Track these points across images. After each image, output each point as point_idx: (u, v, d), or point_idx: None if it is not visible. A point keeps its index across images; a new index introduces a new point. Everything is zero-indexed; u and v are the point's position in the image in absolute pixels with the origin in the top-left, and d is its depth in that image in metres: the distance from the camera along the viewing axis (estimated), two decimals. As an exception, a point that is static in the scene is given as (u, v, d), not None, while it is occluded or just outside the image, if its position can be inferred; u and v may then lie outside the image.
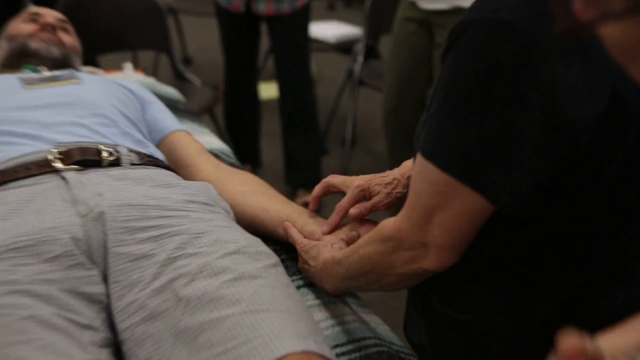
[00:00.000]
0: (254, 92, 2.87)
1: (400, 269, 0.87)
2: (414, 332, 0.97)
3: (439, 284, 0.90)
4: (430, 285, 0.91)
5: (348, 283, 1.00)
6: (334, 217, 1.14)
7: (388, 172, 1.14)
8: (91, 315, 0.89)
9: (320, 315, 1.06)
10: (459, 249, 0.83)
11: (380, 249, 0.88)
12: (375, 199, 1.11)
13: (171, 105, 1.82)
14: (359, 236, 1.11)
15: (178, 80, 2.76)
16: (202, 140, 1.54)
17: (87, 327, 0.87)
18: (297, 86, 2.71)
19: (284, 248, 1.22)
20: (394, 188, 1.10)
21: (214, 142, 1.70)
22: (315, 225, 1.16)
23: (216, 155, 1.57)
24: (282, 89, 2.73)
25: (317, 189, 1.17)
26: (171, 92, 1.96)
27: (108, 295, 0.94)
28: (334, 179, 1.17)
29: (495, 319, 0.86)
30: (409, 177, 1.10)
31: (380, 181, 1.12)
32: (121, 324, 0.91)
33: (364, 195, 1.12)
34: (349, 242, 1.09)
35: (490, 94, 0.73)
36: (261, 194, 1.25)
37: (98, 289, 0.93)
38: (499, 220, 0.81)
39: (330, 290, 1.07)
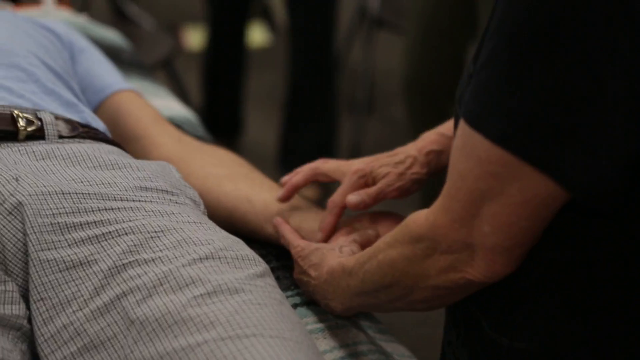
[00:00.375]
0: (240, 35, 2.89)
1: (435, 279, 0.88)
2: (455, 366, 0.99)
3: (489, 301, 0.91)
4: (477, 302, 0.93)
5: (363, 300, 1.02)
6: (327, 218, 1.15)
7: (398, 149, 1.15)
8: (6, 347, 0.90)
9: (325, 344, 1.08)
10: (517, 252, 0.84)
11: (407, 252, 0.89)
12: (382, 182, 1.12)
13: (112, 55, 1.82)
14: (377, 236, 1.12)
15: (120, 19, 2.77)
16: (157, 105, 1.55)
17: None
18: (314, 43, 2.73)
19: (273, 252, 1.23)
20: (408, 168, 1.12)
21: (174, 107, 1.71)
22: (316, 222, 1.18)
23: (177, 125, 1.58)
24: (295, 44, 2.75)
25: (299, 176, 1.19)
26: (111, 37, 1.97)
27: (30, 318, 0.95)
28: (325, 165, 1.19)
29: (566, 351, 0.87)
30: (429, 153, 1.12)
31: (388, 161, 1.13)
32: (50, 357, 0.92)
33: (366, 182, 1.14)
34: (363, 245, 1.10)
35: (563, 35, 0.74)
36: (242, 179, 1.26)
37: (16, 309, 0.94)
38: (572, 214, 0.82)
39: (338, 310, 1.08)
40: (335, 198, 1.15)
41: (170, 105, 1.71)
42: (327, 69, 2.77)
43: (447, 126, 1.14)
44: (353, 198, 1.12)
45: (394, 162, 1.13)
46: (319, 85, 2.78)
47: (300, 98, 2.82)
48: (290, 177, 1.21)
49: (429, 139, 1.13)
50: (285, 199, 1.21)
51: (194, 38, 4.37)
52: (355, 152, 3.10)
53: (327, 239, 1.16)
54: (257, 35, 3.83)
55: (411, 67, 2.33)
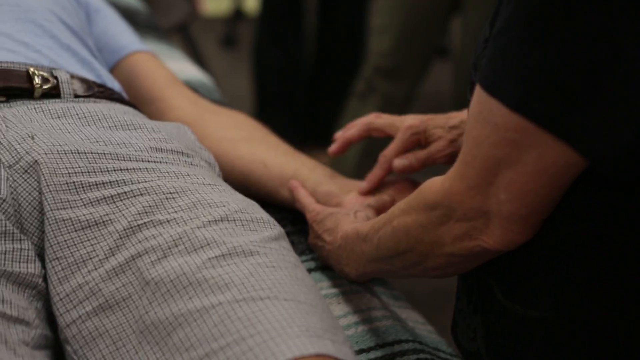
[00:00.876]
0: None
1: (450, 247, 0.88)
2: (466, 334, 0.99)
3: (503, 270, 0.91)
4: (491, 270, 0.92)
5: (377, 266, 1.02)
6: (376, 171, 1.15)
7: (454, 113, 1.14)
8: (21, 304, 0.91)
9: (339, 309, 1.08)
10: (533, 221, 0.83)
11: (422, 219, 0.89)
12: (432, 147, 1.12)
13: (128, 17, 1.82)
14: (393, 202, 1.12)
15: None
16: (173, 68, 1.56)
17: (16, 320, 0.89)
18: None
19: (288, 217, 1.24)
20: (460, 134, 1.11)
21: (190, 70, 1.71)
22: (333, 185, 1.18)
23: (193, 89, 1.58)
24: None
25: (353, 130, 1.18)
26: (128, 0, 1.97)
27: (45, 277, 0.96)
28: (379, 120, 1.18)
29: (580, 318, 0.87)
30: None
31: (443, 123, 1.12)
32: (64, 317, 0.93)
33: (419, 140, 1.13)
34: (378, 210, 1.10)
35: None
36: (258, 142, 1.27)
37: (31, 268, 0.95)
38: (590, 182, 0.81)
39: (352, 276, 1.08)
40: (387, 152, 1.15)
41: (185, 68, 1.71)
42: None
43: None
44: (400, 162, 1.12)
45: (448, 126, 1.12)
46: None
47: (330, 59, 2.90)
48: (344, 131, 1.20)
49: None
50: (337, 152, 1.20)
51: (211, 4, 4.36)
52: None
53: (370, 191, 1.16)
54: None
55: (385, 62, 2.31)
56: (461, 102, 2.25)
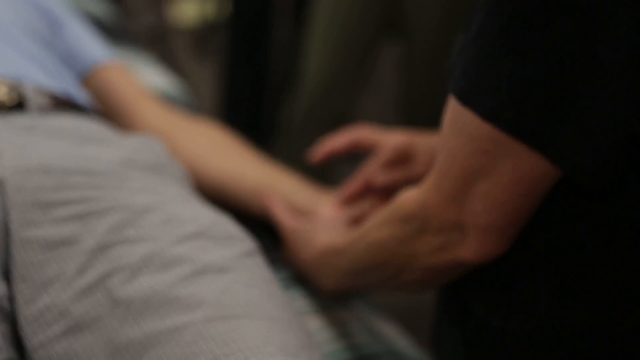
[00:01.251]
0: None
1: (426, 260, 0.87)
2: (446, 347, 0.98)
3: (482, 282, 0.91)
4: (470, 283, 0.92)
5: (353, 280, 1.01)
6: (354, 184, 1.15)
7: None
8: None
9: (315, 323, 1.07)
10: (509, 232, 0.83)
11: (397, 232, 0.89)
12: (413, 169, 1.11)
13: (97, 24, 1.81)
14: (369, 213, 1.12)
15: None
16: (145, 77, 1.54)
17: None
18: None
19: (261, 230, 1.22)
20: None
21: (161, 80, 1.70)
22: (306, 197, 1.17)
23: (164, 98, 1.57)
24: None
25: (341, 140, 1.17)
26: (98, 6, 1.95)
27: (12, 298, 0.94)
28: (367, 134, 1.17)
29: (561, 331, 0.87)
30: None
31: (430, 148, 1.11)
32: (32, 340, 0.91)
33: (402, 160, 1.13)
34: (354, 222, 1.09)
35: (555, 5, 0.72)
36: (231, 154, 1.26)
37: None
38: (566, 192, 0.81)
39: (329, 290, 1.08)
40: (368, 168, 1.14)
41: (157, 77, 1.70)
42: None
43: None
44: (381, 177, 1.12)
45: (435, 152, 1.11)
46: None
47: None
48: (331, 141, 1.19)
49: None
50: (319, 160, 1.19)
51: (185, 11, 4.35)
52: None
53: (345, 201, 1.16)
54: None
55: (316, 90, 2.28)
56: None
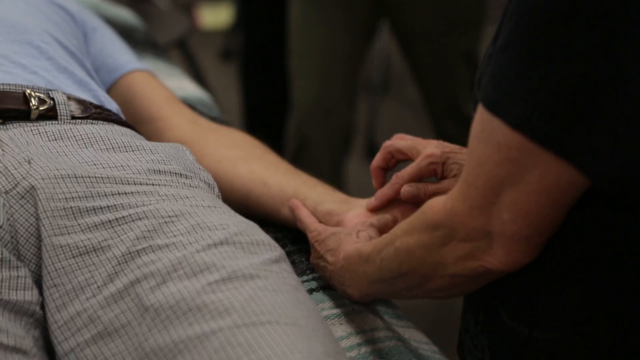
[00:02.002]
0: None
1: (453, 267, 0.87)
2: (474, 354, 0.98)
3: (508, 290, 0.91)
4: (496, 291, 0.92)
5: (380, 287, 1.01)
6: (386, 191, 1.13)
7: None
8: (19, 333, 0.91)
9: (341, 330, 1.07)
10: (536, 240, 0.83)
11: (424, 240, 0.89)
12: (445, 183, 1.09)
13: (125, 34, 1.82)
14: (395, 221, 1.11)
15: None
16: (171, 86, 1.55)
17: (13, 349, 0.89)
18: None
19: (288, 236, 1.23)
20: None
21: (188, 87, 1.71)
22: (333, 204, 1.17)
23: (191, 106, 1.57)
24: None
25: (378, 157, 1.17)
26: (124, 15, 1.97)
27: (43, 304, 0.95)
28: (400, 142, 1.16)
29: (587, 340, 0.86)
30: None
31: (463, 160, 1.09)
32: (63, 345, 0.92)
33: (436, 170, 1.11)
34: (381, 229, 1.09)
35: (583, 17, 0.73)
36: (257, 160, 1.26)
37: (29, 295, 0.94)
38: (594, 201, 0.81)
39: (355, 297, 1.08)
40: (401, 174, 1.13)
41: (184, 85, 1.71)
42: None
43: None
44: (409, 189, 1.10)
45: None
46: None
47: None
48: (374, 162, 1.17)
49: None
50: (377, 184, 1.18)
51: (209, 17, 4.37)
52: (371, 131, 3.11)
53: (378, 207, 1.15)
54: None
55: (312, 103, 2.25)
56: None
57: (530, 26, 0.76)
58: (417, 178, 1.12)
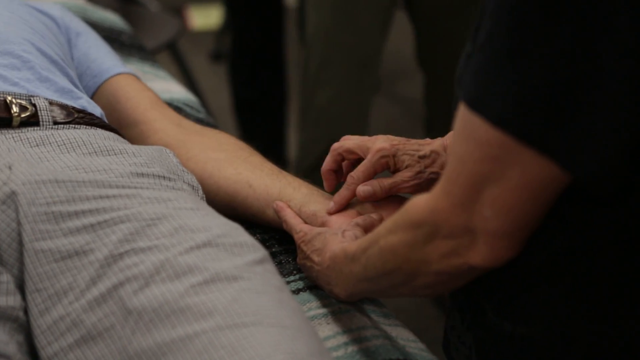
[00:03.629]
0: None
1: (437, 265, 0.87)
2: (459, 351, 0.98)
3: (493, 287, 0.91)
4: (481, 288, 0.92)
5: (365, 286, 1.01)
6: (343, 192, 1.15)
7: (429, 140, 1.14)
8: (2, 339, 0.90)
9: (328, 330, 1.07)
10: (518, 237, 0.83)
11: (408, 238, 0.89)
12: (398, 177, 1.12)
13: (112, 38, 1.81)
14: (381, 220, 1.12)
15: (122, 2, 2.75)
16: (157, 88, 1.54)
17: None
18: None
19: (275, 237, 1.23)
20: (428, 165, 1.11)
21: (174, 89, 1.70)
22: (319, 205, 1.17)
23: (177, 108, 1.57)
24: None
25: (328, 160, 1.18)
26: (110, 18, 1.96)
27: (26, 309, 0.95)
28: (349, 142, 1.17)
29: (573, 335, 0.87)
30: None
31: (414, 151, 1.12)
32: (46, 349, 0.92)
33: (388, 164, 1.13)
34: (367, 229, 1.10)
35: (560, 14, 0.73)
36: (242, 162, 1.26)
37: (11, 300, 0.94)
38: (577, 196, 0.81)
39: (341, 296, 1.08)
40: (355, 174, 1.14)
41: (170, 87, 1.70)
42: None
43: None
44: (364, 189, 1.12)
45: (418, 156, 1.12)
46: None
47: None
48: (324, 167, 1.19)
49: None
50: (329, 187, 1.19)
51: (199, 19, 4.36)
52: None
53: (337, 211, 1.16)
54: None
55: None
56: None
57: (509, 24, 0.76)
58: (372, 174, 1.14)
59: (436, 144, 1.12)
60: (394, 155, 1.11)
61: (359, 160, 1.16)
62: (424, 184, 1.11)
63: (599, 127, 0.75)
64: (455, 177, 0.83)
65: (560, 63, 0.74)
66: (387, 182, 1.12)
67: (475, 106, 0.79)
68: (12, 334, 0.92)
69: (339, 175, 1.19)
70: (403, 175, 1.11)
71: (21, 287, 0.96)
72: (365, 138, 1.16)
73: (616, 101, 0.74)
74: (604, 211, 0.81)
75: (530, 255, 0.85)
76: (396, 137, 1.14)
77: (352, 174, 1.14)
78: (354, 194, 1.14)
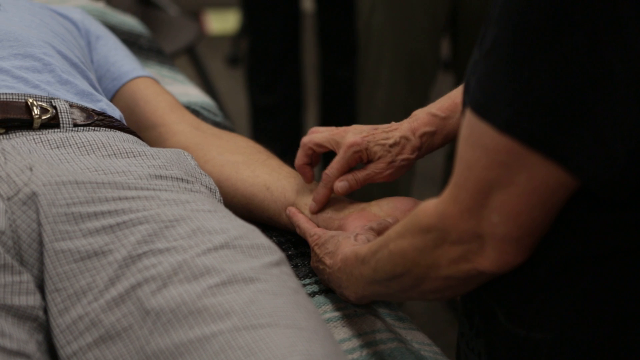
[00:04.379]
0: None
1: (446, 270, 0.88)
2: (469, 357, 0.98)
3: (505, 291, 0.91)
4: (493, 293, 0.92)
5: (375, 289, 1.02)
6: (321, 190, 1.19)
7: (394, 124, 1.17)
8: (22, 338, 0.92)
9: (343, 333, 1.08)
10: (527, 242, 0.83)
11: (417, 242, 0.89)
12: (371, 168, 1.16)
13: (130, 41, 1.83)
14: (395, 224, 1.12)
15: (141, 6, 2.77)
16: (175, 92, 1.56)
17: (17, 354, 0.90)
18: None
19: (291, 240, 1.24)
20: (399, 153, 1.14)
21: (192, 93, 1.72)
22: (333, 208, 1.18)
23: (195, 112, 1.58)
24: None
25: (300, 155, 1.21)
26: (130, 22, 1.97)
27: (46, 309, 0.96)
28: (318, 135, 1.20)
29: (584, 341, 0.86)
30: (422, 136, 1.14)
31: (384, 140, 1.15)
32: (65, 349, 0.93)
33: (360, 157, 1.16)
34: (380, 233, 1.10)
35: (567, 19, 0.73)
36: (260, 165, 1.27)
37: (31, 300, 0.95)
38: (587, 201, 0.81)
39: (352, 299, 1.09)
40: (329, 172, 1.18)
41: (188, 91, 1.72)
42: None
43: (438, 106, 1.16)
44: (340, 184, 1.17)
45: (389, 145, 1.15)
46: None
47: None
48: (297, 163, 1.23)
49: (422, 120, 1.14)
50: (307, 180, 1.23)
51: (216, 23, 4.37)
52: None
53: (319, 209, 1.19)
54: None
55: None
56: None
57: (516, 30, 0.76)
58: (346, 169, 1.18)
59: (404, 127, 1.15)
60: (366, 149, 1.15)
61: (330, 151, 1.20)
62: (396, 172, 1.15)
63: (607, 132, 0.75)
64: (463, 183, 0.83)
65: (568, 68, 0.74)
66: (361, 175, 1.17)
67: (482, 112, 0.79)
68: (32, 333, 0.93)
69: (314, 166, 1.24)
70: (376, 167, 1.15)
71: (41, 286, 0.97)
72: (334, 131, 1.19)
73: (624, 107, 0.74)
74: (616, 215, 0.81)
75: (544, 259, 0.85)
76: (364, 127, 1.18)
77: (326, 171, 1.18)
78: (331, 191, 1.18)
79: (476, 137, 0.80)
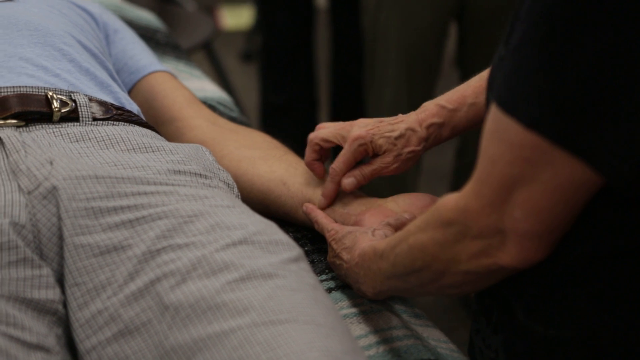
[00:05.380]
0: None
1: (466, 264, 0.88)
2: (484, 354, 0.98)
3: (525, 288, 0.91)
4: (510, 289, 0.92)
5: (393, 283, 1.02)
6: (329, 185, 1.19)
7: (401, 116, 1.17)
8: (41, 331, 0.92)
9: (360, 329, 1.08)
10: (548, 238, 0.83)
11: (438, 236, 0.89)
12: (377, 162, 1.16)
13: (147, 36, 1.83)
14: (413, 220, 1.12)
15: (159, 1, 2.77)
16: (192, 87, 1.56)
17: (36, 347, 0.90)
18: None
19: (307, 236, 1.24)
20: (405, 145, 1.14)
21: (209, 88, 1.72)
22: (350, 204, 1.18)
23: (212, 107, 1.58)
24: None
25: (308, 152, 1.22)
26: (146, 17, 1.98)
27: (65, 302, 0.96)
28: (324, 131, 1.20)
29: (602, 338, 0.86)
30: (430, 127, 1.14)
31: (389, 133, 1.15)
32: (84, 343, 0.93)
33: (366, 150, 1.16)
34: (398, 228, 1.10)
35: (596, 16, 0.73)
36: (277, 161, 1.27)
37: (51, 294, 0.95)
38: (610, 198, 0.81)
39: (369, 294, 1.08)
40: (335, 166, 1.18)
41: (205, 86, 1.72)
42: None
43: (446, 98, 1.16)
44: (347, 181, 1.17)
45: (394, 137, 1.15)
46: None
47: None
48: (306, 160, 1.23)
49: (430, 111, 1.14)
50: (319, 175, 1.23)
51: (230, 19, 4.38)
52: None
53: (329, 204, 1.20)
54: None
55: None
56: None
57: (544, 27, 0.76)
58: (352, 164, 1.18)
59: (410, 119, 1.15)
60: (371, 142, 1.15)
61: (337, 146, 1.20)
62: (403, 165, 1.15)
63: (633, 130, 0.75)
64: (486, 178, 0.83)
65: (597, 66, 0.74)
66: (367, 169, 1.17)
67: (508, 108, 0.79)
68: (51, 327, 0.94)
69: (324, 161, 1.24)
70: (382, 161, 1.15)
71: (60, 280, 0.98)
72: (340, 125, 1.20)
73: None
74: (637, 213, 0.81)
75: (564, 256, 0.85)
76: (370, 121, 1.18)
77: (333, 166, 1.18)
78: (339, 185, 1.18)
79: (501, 133, 0.80)
